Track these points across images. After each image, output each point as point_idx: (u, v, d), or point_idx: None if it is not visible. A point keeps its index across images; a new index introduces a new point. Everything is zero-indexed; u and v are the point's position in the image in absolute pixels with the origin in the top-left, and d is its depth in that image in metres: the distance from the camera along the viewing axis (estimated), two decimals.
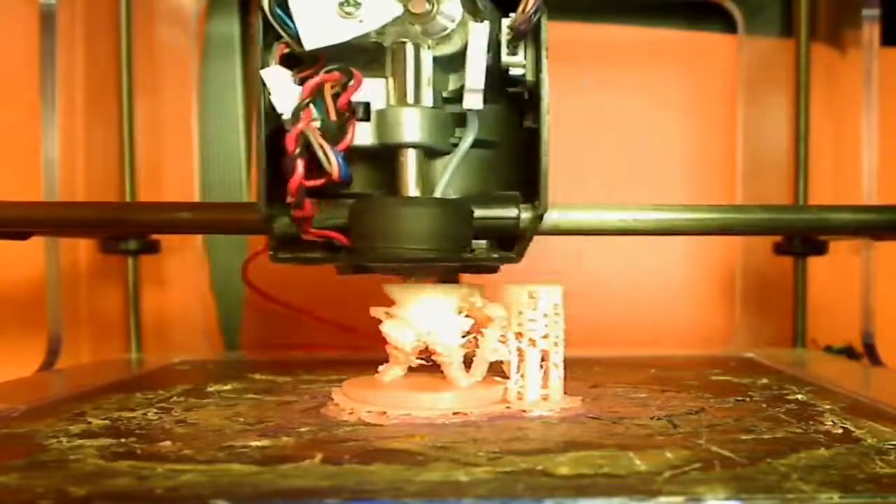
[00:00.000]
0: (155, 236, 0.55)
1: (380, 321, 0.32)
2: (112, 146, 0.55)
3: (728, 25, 0.61)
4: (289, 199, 0.29)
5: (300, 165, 0.28)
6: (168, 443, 0.26)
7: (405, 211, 0.29)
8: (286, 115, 0.28)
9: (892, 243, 0.46)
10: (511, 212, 0.32)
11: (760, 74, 0.60)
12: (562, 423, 0.29)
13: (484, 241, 0.33)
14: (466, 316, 0.32)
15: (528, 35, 0.30)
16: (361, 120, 0.29)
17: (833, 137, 0.58)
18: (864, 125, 0.54)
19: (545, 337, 0.31)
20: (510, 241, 0.33)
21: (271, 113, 0.29)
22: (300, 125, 0.28)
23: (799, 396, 0.34)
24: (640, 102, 0.60)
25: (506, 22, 0.30)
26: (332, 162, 0.28)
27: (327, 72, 0.29)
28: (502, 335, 0.31)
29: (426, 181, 0.30)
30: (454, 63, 0.30)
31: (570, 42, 0.60)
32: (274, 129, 0.29)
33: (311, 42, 0.28)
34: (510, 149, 0.33)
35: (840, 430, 0.27)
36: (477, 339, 0.32)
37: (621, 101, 0.60)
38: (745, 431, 0.27)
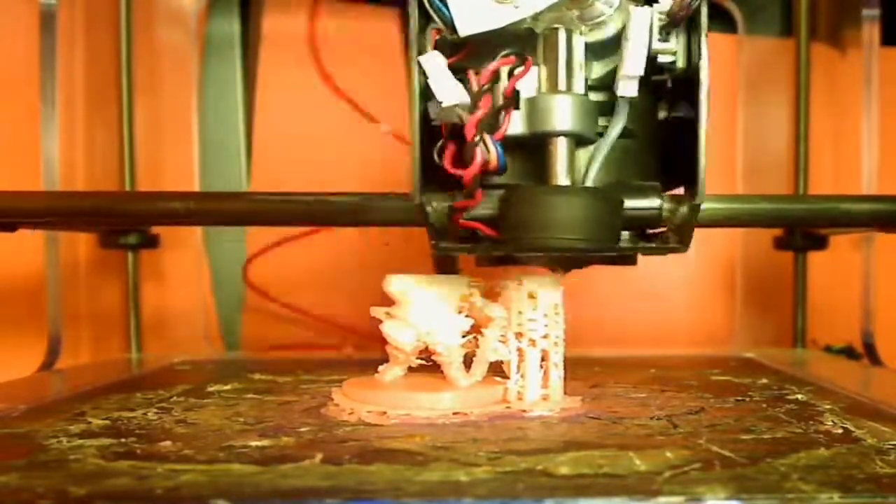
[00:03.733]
0: (155, 231, 0.55)
1: (380, 321, 0.32)
2: (112, 146, 0.55)
3: (728, 25, 0.61)
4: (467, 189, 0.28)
5: (479, 154, 0.27)
6: (168, 443, 0.26)
7: (558, 200, 0.28)
8: (446, 103, 0.28)
9: (893, 242, 0.46)
10: (654, 202, 0.31)
11: (760, 74, 0.60)
12: (562, 423, 0.29)
13: (626, 233, 0.32)
14: (466, 316, 0.32)
15: (682, 21, 0.29)
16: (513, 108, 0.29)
17: (833, 137, 0.58)
18: (863, 125, 0.54)
19: (545, 337, 0.31)
20: (644, 232, 0.32)
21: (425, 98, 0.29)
22: (480, 112, 0.27)
23: (799, 396, 0.34)
24: None
25: (658, 7, 0.29)
26: (491, 150, 0.28)
27: (504, 56, 0.28)
28: (502, 335, 0.31)
29: (572, 171, 0.30)
30: (602, 49, 0.29)
31: None
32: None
33: (465, 28, 0.28)
34: (645, 138, 0.32)
35: (840, 430, 0.27)
36: (477, 339, 0.32)
37: None
38: (745, 431, 0.27)
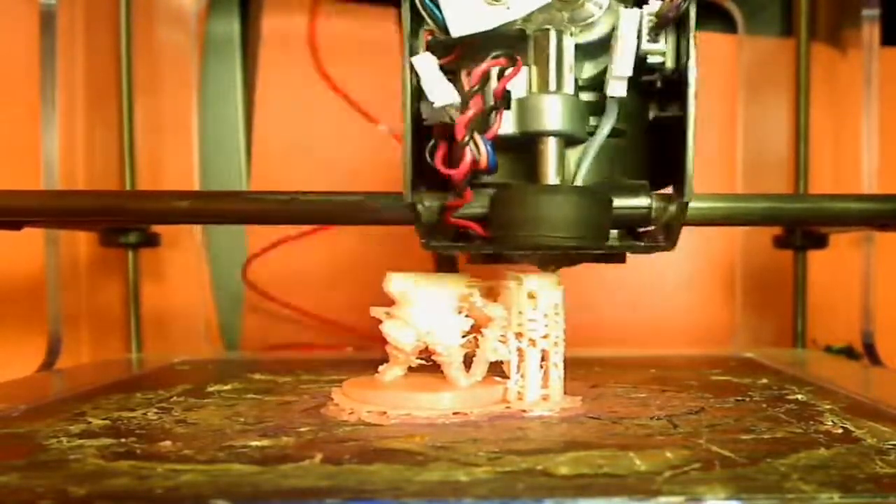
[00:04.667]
0: (155, 229, 0.55)
1: (380, 321, 0.32)
2: (112, 146, 0.55)
3: (728, 25, 0.61)
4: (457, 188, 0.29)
5: (469, 153, 0.28)
6: (168, 443, 0.26)
7: (548, 198, 0.28)
8: (438, 104, 0.28)
9: (893, 242, 0.46)
10: (643, 201, 0.31)
11: (760, 74, 0.60)
12: (562, 423, 0.29)
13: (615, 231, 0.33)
14: (466, 316, 0.32)
15: (671, 22, 0.29)
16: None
17: (833, 137, 0.58)
18: (863, 125, 0.54)
19: (545, 337, 0.31)
20: (632, 230, 0.33)
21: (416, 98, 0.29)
22: (470, 112, 0.27)
23: (799, 396, 0.34)
24: None
25: (647, 8, 0.29)
26: (482, 150, 0.28)
27: (494, 58, 0.28)
28: (502, 335, 0.31)
29: (562, 170, 0.30)
30: (591, 50, 0.30)
31: None
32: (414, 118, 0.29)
33: (458, 29, 0.28)
34: (635, 137, 0.32)
35: (840, 430, 0.27)
36: (477, 339, 0.32)
37: None
38: (745, 431, 0.27)
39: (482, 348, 0.32)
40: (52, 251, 0.50)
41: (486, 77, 0.28)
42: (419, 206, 0.31)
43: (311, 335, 0.59)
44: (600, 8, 0.29)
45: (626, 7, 0.29)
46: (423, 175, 0.30)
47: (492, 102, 0.29)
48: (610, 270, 0.59)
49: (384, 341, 0.32)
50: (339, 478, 0.22)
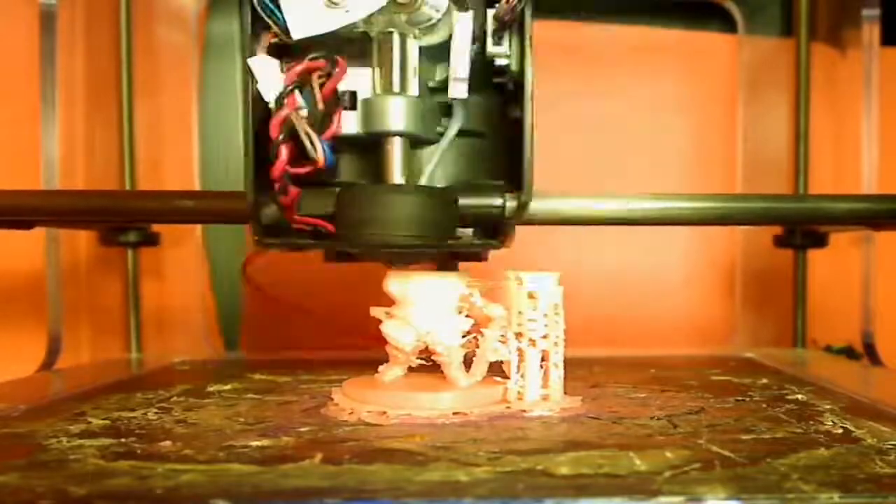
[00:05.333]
0: (155, 229, 0.55)
1: (380, 321, 0.32)
2: (112, 146, 0.55)
3: (728, 25, 0.61)
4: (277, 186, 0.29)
5: (284, 152, 0.28)
6: (168, 443, 0.26)
7: (390, 198, 0.29)
8: (272, 104, 0.28)
9: (893, 241, 0.46)
10: (496, 200, 0.32)
11: (760, 74, 0.60)
12: (562, 423, 0.29)
13: (470, 230, 0.33)
14: (466, 316, 0.32)
15: (513, 25, 0.30)
16: (347, 109, 0.30)
17: (833, 137, 0.58)
18: (863, 125, 0.54)
19: (545, 337, 0.31)
20: (497, 230, 0.33)
21: (259, 102, 0.29)
22: (284, 111, 0.28)
23: (799, 396, 0.34)
24: (640, 102, 0.60)
25: (491, 12, 0.30)
26: (318, 149, 0.28)
27: (312, 59, 0.29)
28: (502, 335, 0.31)
29: (412, 171, 0.31)
30: (441, 53, 0.30)
31: (570, 42, 0.60)
32: (263, 118, 0.29)
33: (298, 31, 0.28)
34: (497, 139, 0.33)
35: (840, 430, 0.27)
36: (477, 339, 0.32)
37: (622, 101, 0.60)
38: (745, 431, 0.27)
39: (482, 348, 0.32)
40: (52, 251, 0.50)
41: (301, 77, 0.29)
42: (264, 208, 0.31)
43: (311, 335, 0.59)
44: (438, 11, 0.30)
45: (464, 11, 0.30)
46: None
47: (326, 104, 0.29)
48: (611, 270, 0.59)
49: (384, 341, 0.32)
50: (339, 478, 0.22)
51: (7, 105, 0.52)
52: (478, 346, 0.32)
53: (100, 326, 0.56)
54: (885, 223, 0.42)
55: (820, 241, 0.55)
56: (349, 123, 0.30)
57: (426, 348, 0.32)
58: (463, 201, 0.32)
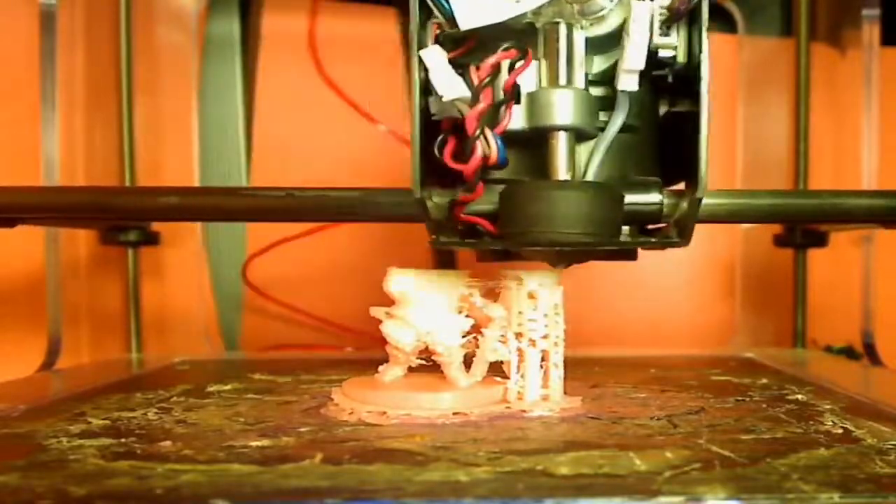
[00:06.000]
0: (155, 228, 0.55)
1: (380, 321, 0.32)
2: (112, 146, 0.55)
3: (728, 25, 0.61)
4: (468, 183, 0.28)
5: (479, 148, 0.27)
6: (168, 443, 0.26)
7: (559, 194, 0.28)
8: (447, 97, 0.28)
9: (893, 241, 0.46)
10: (654, 197, 0.31)
11: (760, 74, 0.60)
12: (562, 423, 0.29)
13: (626, 227, 0.32)
14: (466, 316, 0.32)
15: (683, 16, 0.29)
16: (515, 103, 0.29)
17: (833, 137, 0.58)
18: (863, 125, 0.54)
19: (545, 337, 0.31)
20: (644, 227, 0.33)
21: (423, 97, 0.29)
22: (481, 106, 0.27)
23: (799, 396, 0.34)
24: None
25: (659, 2, 0.29)
26: (492, 144, 0.28)
27: (504, 50, 0.28)
28: (502, 335, 0.31)
29: (574, 166, 0.30)
30: (601, 44, 0.30)
31: None
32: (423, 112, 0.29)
33: (466, 22, 0.27)
34: (646, 133, 0.32)
35: (840, 430, 0.27)
36: (477, 339, 0.32)
37: None
38: (745, 431, 0.27)
39: (482, 348, 0.32)
40: (52, 250, 0.50)
41: (496, 70, 0.28)
42: (428, 202, 0.30)
43: (311, 335, 0.59)
44: (611, 1, 0.29)
45: (639, 0, 0.29)
46: (430, 172, 0.30)
47: (501, 96, 0.28)
48: (611, 270, 0.59)
49: (384, 341, 0.32)
50: (339, 478, 0.22)
51: (7, 105, 0.52)
52: (478, 346, 0.32)
53: (100, 327, 0.56)
54: (893, 220, 0.42)
55: (820, 240, 0.55)
56: (515, 118, 0.29)
57: (426, 348, 0.32)
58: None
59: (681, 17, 0.29)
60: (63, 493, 0.20)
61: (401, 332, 0.31)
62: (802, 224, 0.54)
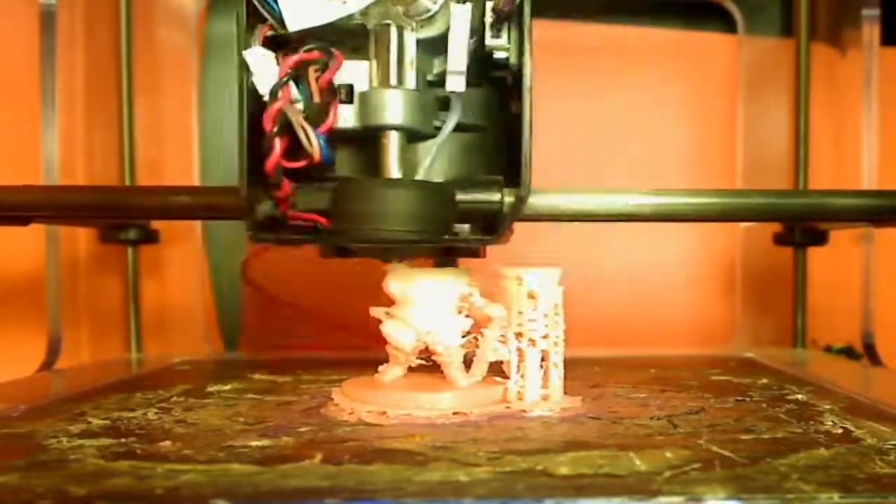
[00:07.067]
0: (155, 226, 0.55)
1: (380, 321, 0.32)
2: (112, 146, 0.55)
3: (728, 25, 0.61)
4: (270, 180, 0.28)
5: (278, 145, 0.28)
6: (168, 443, 0.26)
7: (386, 192, 0.29)
8: (266, 97, 0.28)
9: (893, 240, 0.46)
10: (494, 196, 0.31)
11: (760, 74, 0.60)
12: (562, 423, 0.29)
13: (467, 226, 0.33)
14: (466, 316, 0.32)
15: (512, 18, 0.30)
16: (344, 102, 0.29)
17: (833, 137, 0.58)
18: (863, 125, 0.54)
19: (545, 337, 0.31)
20: (495, 226, 0.33)
21: (255, 96, 0.29)
22: (278, 103, 0.28)
23: (799, 396, 0.34)
24: (640, 102, 0.61)
25: (490, 4, 0.29)
26: (314, 143, 0.28)
27: (307, 51, 0.29)
28: (502, 335, 0.31)
29: (409, 165, 0.30)
30: (439, 46, 0.30)
31: (570, 42, 0.60)
32: (258, 113, 0.29)
33: (294, 23, 0.28)
34: (495, 133, 0.33)
35: (840, 430, 0.27)
36: (477, 339, 0.32)
37: (622, 101, 0.60)
38: (745, 431, 0.27)
39: (482, 348, 0.32)
40: (52, 250, 0.50)
41: (296, 69, 0.28)
42: (255, 202, 0.30)
43: (311, 335, 0.59)
44: (435, 3, 0.29)
45: (461, 2, 0.29)
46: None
47: (322, 96, 0.29)
48: (611, 270, 0.58)
49: (384, 341, 0.32)
50: (339, 478, 0.22)
51: (7, 105, 0.51)
52: (478, 346, 0.32)
53: (100, 327, 0.56)
54: (886, 219, 0.42)
55: (820, 239, 0.55)
56: (347, 118, 0.29)
57: (426, 348, 0.32)
58: (460, 196, 0.31)
59: (505, 17, 0.29)
60: (63, 493, 0.20)
61: (401, 332, 0.31)
62: (797, 223, 0.54)
